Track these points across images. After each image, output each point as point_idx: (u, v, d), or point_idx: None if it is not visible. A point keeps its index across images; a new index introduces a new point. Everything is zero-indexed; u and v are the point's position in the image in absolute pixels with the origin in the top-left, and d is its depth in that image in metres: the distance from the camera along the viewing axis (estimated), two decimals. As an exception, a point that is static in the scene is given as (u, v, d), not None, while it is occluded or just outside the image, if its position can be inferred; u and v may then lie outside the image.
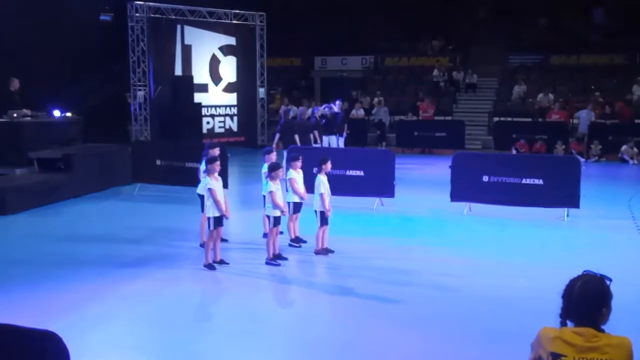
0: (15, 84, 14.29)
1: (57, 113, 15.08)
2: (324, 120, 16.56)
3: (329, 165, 8.78)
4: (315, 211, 8.65)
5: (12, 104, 13.89)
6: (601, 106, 21.74)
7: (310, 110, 18.23)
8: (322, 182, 8.61)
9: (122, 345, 5.80)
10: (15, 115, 13.71)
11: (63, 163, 13.40)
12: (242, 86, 23.05)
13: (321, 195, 8.56)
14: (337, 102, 17.82)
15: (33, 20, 15.47)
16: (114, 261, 8.41)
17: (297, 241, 9.15)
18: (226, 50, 22.53)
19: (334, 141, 17.01)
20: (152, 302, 6.93)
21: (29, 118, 14.11)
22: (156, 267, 8.14)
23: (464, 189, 11.42)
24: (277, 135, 15.27)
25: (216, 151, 8.90)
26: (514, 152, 19.38)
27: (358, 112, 22.71)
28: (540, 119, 21.93)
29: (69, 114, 15.47)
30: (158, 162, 13.45)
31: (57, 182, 12.78)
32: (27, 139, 13.71)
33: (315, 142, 15.40)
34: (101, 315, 6.49)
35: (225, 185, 9.23)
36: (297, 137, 14.59)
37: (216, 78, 22.40)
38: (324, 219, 8.62)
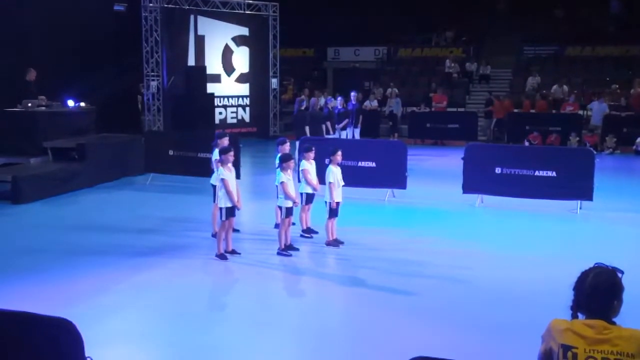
0: (32, 74, 14.39)
1: (71, 103, 15.15)
2: (337, 109, 16.46)
3: (338, 156, 8.78)
4: (326, 202, 8.67)
5: (27, 94, 13.99)
6: (617, 97, 21.56)
7: (322, 101, 18.21)
8: (332, 172, 8.62)
9: (134, 334, 5.86)
10: (30, 105, 13.80)
11: (77, 153, 13.49)
12: (255, 77, 23.05)
13: (330, 185, 8.57)
14: (352, 94, 17.77)
15: (47, 10, 15.52)
16: (127, 251, 8.47)
17: (308, 232, 9.17)
18: (239, 40, 22.53)
19: (345, 134, 16.95)
20: (164, 291, 6.99)
21: (43, 108, 14.20)
22: (168, 257, 8.20)
23: (476, 180, 11.38)
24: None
25: (225, 141, 8.89)
26: (526, 144, 19.26)
27: (372, 103, 22.66)
28: (554, 111, 21.76)
29: (82, 104, 15.54)
30: (171, 152, 13.52)
31: (70, 171, 12.87)
32: (41, 129, 13.80)
33: (328, 132, 15.38)
34: (114, 304, 6.55)
35: (237, 176, 9.24)
36: (307, 128, 14.58)
37: (229, 68, 22.41)
38: (332, 210, 8.63)
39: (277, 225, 8.91)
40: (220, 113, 22.17)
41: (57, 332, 3.05)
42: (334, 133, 15.73)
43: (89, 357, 3.09)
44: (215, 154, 8.66)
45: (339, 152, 8.80)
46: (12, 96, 14.01)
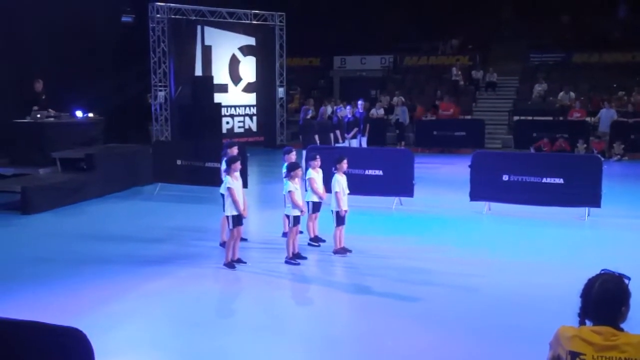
0: (39, 85, 14.51)
1: (79, 113, 15.26)
2: (347, 118, 16.50)
3: (344, 165, 8.80)
4: (332, 211, 8.68)
5: (36, 105, 14.09)
6: (623, 104, 21.52)
7: (329, 110, 18.24)
8: (338, 181, 8.64)
9: (144, 343, 5.88)
10: (38, 116, 13.90)
11: (85, 163, 13.56)
12: (262, 86, 23.13)
13: (336, 194, 8.59)
14: (360, 102, 17.81)
15: (55, 21, 15.66)
16: (136, 260, 8.51)
17: (316, 240, 9.18)
18: (246, 50, 22.64)
19: (354, 143, 16.99)
20: (173, 300, 7.01)
21: (52, 119, 14.31)
22: (177, 266, 8.23)
23: (484, 188, 11.37)
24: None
25: (234, 150, 8.95)
26: (532, 150, 19.17)
27: (378, 112, 22.69)
28: (561, 118, 21.76)
29: (91, 115, 15.64)
30: (178, 162, 13.57)
31: (79, 182, 12.94)
32: (50, 139, 13.90)
33: (337, 141, 15.39)
34: (123, 312, 6.58)
35: (245, 185, 9.27)
36: (317, 137, 14.61)
37: (236, 78, 22.51)
38: (339, 219, 8.64)
39: (284, 234, 8.93)
40: (228, 122, 22.25)
41: (67, 342, 3.06)
42: (343, 142, 15.75)
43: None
44: (224, 164, 8.70)
45: (345, 161, 8.81)
46: (21, 107, 14.12)
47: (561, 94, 23.03)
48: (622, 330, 2.76)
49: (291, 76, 25.50)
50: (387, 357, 5.55)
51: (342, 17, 28.26)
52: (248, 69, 22.80)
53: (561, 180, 11.00)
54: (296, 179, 8.24)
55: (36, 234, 10.28)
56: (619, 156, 19.38)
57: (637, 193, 13.83)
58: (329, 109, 18.35)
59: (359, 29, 28.39)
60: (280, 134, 23.51)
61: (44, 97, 14.55)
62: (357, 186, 10.37)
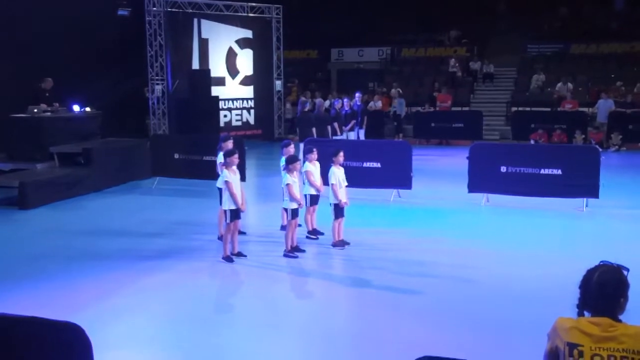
0: (48, 83, 14.51)
1: (76, 108, 15.20)
2: (344, 111, 16.49)
3: (340, 157, 8.79)
4: (330, 203, 8.68)
5: (42, 102, 14.07)
6: (622, 94, 21.51)
7: (328, 102, 18.23)
8: (334, 173, 8.63)
9: (142, 337, 5.88)
10: (35, 110, 13.86)
11: (83, 157, 13.54)
12: (259, 79, 23.08)
13: (332, 186, 8.59)
14: (357, 95, 17.79)
15: (51, 15, 15.58)
16: (134, 254, 8.51)
17: (314, 233, 9.18)
18: (243, 43, 22.57)
19: (352, 135, 16.98)
20: (171, 294, 7.01)
21: (49, 113, 14.26)
22: (175, 260, 8.22)
23: (482, 180, 11.36)
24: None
25: (229, 144, 8.92)
26: (532, 142, 19.17)
27: (376, 104, 22.64)
28: (559, 109, 21.76)
29: (88, 109, 15.59)
30: (176, 155, 13.55)
31: (77, 176, 12.92)
32: (47, 134, 13.85)
33: (335, 134, 15.37)
34: (121, 307, 6.58)
35: (242, 178, 9.26)
36: (314, 129, 14.58)
37: (233, 71, 22.45)
38: (338, 211, 8.64)
39: (283, 227, 8.93)
40: (225, 116, 22.22)
41: (65, 337, 3.06)
42: (341, 134, 15.74)
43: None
44: (220, 157, 8.69)
45: (341, 153, 8.81)
46: (18, 102, 14.07)
47: (559, 85, 23.00)
48: (620, 321, 2.76)
49: (288, 69, 25.44)
50: (386, 349, 5.55)
51: (339, 9, 28.18)
52: (245, 61, 22.74)
53: (559, 171, 11.00)
54: (294, 172, 8.24)
55: (34, 229, 10.26)
56: (616, 147, 19.39)
57: (635, 184, 13.84)
58: (327, 102, 18.33)
59: (356, 21, 28.34)
60: (278, 127, 23.48)
61: (47, 95, 14.52)
62: (355, 178, 10.36)
